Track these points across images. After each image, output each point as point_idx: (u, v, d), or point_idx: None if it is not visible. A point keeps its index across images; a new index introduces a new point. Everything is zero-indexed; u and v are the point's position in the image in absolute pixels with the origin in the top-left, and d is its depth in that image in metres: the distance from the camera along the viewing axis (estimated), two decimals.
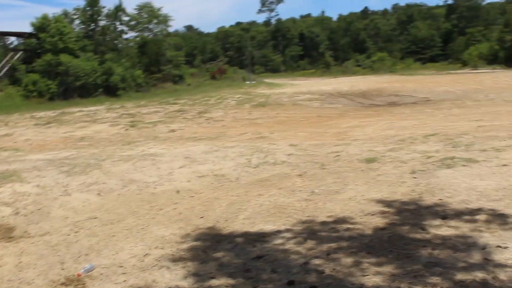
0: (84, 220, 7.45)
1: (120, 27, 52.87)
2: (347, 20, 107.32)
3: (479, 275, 4.59)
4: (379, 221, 6.41)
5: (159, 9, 54.20)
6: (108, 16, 50.74)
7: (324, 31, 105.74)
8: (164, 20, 54.85)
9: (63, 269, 5.69)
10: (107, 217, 7.54)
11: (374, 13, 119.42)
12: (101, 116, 24.09)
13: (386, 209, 6.89)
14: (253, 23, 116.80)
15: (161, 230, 6.79)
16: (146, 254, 5.92)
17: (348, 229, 6.22)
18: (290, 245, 5.82)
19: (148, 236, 6.58)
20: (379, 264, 5.03)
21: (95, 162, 11.22)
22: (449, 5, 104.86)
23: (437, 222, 6.17)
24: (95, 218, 7.54)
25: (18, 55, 45.53)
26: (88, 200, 8.53)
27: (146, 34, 53.96)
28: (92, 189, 9.08)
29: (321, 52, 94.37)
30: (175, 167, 10.51)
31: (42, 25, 42.60)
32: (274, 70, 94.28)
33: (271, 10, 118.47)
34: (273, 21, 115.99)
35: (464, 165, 8.84)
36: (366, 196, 7.57)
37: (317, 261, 5.25)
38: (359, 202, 7.33)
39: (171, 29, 60.16)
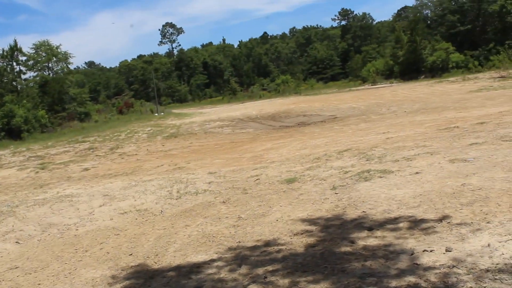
0: (4, 272, 7.07)
1: (17, 67, 51.08)
2: (248, 46, 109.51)
3: (412, 279, 4.78)
4: (309, 239, 6.53)
5: (57, 47, 52.99)
6: (3, 56, 48.90)
7: (226, 58, 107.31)
8: (64, 57, 53.69)
9: None
10: (30, 265, 7.20)
11: (274, 37, 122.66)
12: (6, 161, 23.01)
13: (313, 226, 7.04)
14: (155, 55, 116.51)
15: (90, 272, 6.56)
16: None
17: (280, 251, 6.29)
18: (225, 273, 5.80)
19: (77, 280, 6.34)
20: (316, 281, 5.12)
21: (7, 209, 10.71)
22: (343, 26, 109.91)
23: (364, 234, 6.37)
24: (17, 268, 7.18)
25: None
26: (6, 249, 8.11)
27: (46, 73, 52.51)
28: (8, 238, 8.65)
29: (226, 79, 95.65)
30: (95, 206, 10.23)
31: None
32: (181, 100, 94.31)
33: (172, 41, 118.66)
34: (175, 51, 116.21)
35: (380, 177, 9.20)
36: (292, 216, 7.69)
37: (255, 286, 5.27)
38: (286, 222, 7.43)
39: (72, 67, 58.94)
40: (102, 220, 9.21)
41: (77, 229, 8.87)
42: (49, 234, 8.75)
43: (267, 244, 6.62)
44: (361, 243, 6.06)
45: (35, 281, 6.52)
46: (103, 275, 6.40)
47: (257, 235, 7.08)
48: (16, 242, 8.46)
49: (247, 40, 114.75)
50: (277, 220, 7.62)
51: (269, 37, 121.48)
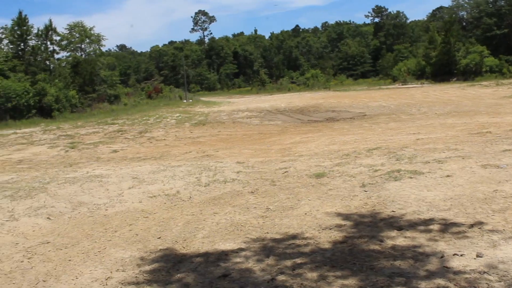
0: (36, 246, 7.23)
1: (51, 47, 51.73)
2: (279, 38, 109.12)
3: (441, 282, 4.78)
4: (338, 235, 6.55)
5: (90, 29, 53.54)
6: (38, 35, 49.55)
7: (257, 49, 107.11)
8: (97, 39, 54.22)
9: None
10: (61, 241, 7.35)
11: (305, 31, 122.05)
12: (37, 138, 23.41)
13: (342, 222, 7.05)
14: (186, 42, 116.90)
15: (119, 252, 6.68)
16: (108, 277, 5.81)
17: (308, 244, 6.31)
18: (253, 263, 5.86)
19: (107, 259, 6.46)
20: (344, 277, 5.14)
21: (39, 185, 10.91)
22: (376, 23, 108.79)
23: (393, 233, 6.36)
24: (48, 242, 7.33)
25: None
26: (37, 224, 8.28)
27: (78, 54, 53.07)
28: (40, 213, 8.82)
29: (256, 70, 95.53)
30: (124, 187, 10.37)
31: None
32: (209, 88, 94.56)
33: (204, 29, 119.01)
34: (206, 39, 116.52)
35: (410, 177, 9.15)
36: (321, 211, 7.71)
37: (283, 277, 5.31)
38: (315, 216, 7.46)
39: (104, 49, 59.50)
40: (131, 202, 9.34)
41: (106, 209, 9.01)
42: (79, 212, 8.90)
43: (295, 236, 6.65)
44: (390, 242, 6.06)
45: (66, 257, 6.65)
46: (132, 256, 6.50)
47: (285, 227, 7.11)
48: (48, 218, 8.62)
49: (279, 32, 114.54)
50: (305, 214, 7.64)
51: (300, 30, 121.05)
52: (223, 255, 6.20)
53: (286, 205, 8.30)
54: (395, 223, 6.76)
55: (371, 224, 6.83)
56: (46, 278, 5.97)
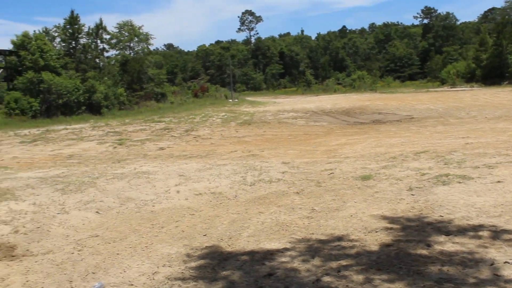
0: (86, 238, 7.42)
1: (101, 45, 52.81)
2: (325, 39, 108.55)
3: None
4: (384, 238, 6.48)
5: (139, 28, 54.30)
6: (88, 34, 50.64)
7: (303, 49, 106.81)
8: (145, 38, 54.96)
9: None
10: (109, 235, 7.51)
11: (352, 32, 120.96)
12: (87, 134, 23.98)
13: (389, 225, 6.98)
14: (233, 42, 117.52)
15: (166, 248, 6.78)
16: (155, 272, 5.92)
17: (353, 246, 6.28)
18: (298, 263, 5.86)
19: (154, 254, 6.57)
20: (390, 281, 5.09)
21: (89, 180, 11.17)
22: (425, 24, 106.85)
23: (442, 238, 6.26)
24: (97, 236, 7.51)
25: None
26: (87, 218, 8.49)
27: (127, 52, 53.93)
28: (90, 207, 9.04)
29: (302, 70, 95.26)
30: (171, 185, 10.51)
31: (22, 43, 42.36)
32: (255, 88, 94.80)
33: (251, 29, 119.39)
34: (253, 39, 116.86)
35: (459, 182, 8.98)
36: (367, 213, 7.65)
37: (328, 279, 5.29)
38: (360, 219, 7.40)
39: (152, 48, 60.33)
40: (178, 199, 9.47)
41: (153, 206, 9.16)
42: (127, 208, 9.07)
43: (341, 238, 6.62)
44: (438, 247, 5.97)
45: (114, 251, 6.79)
46: (178, 252, 6.59)
47: (330, 228, 7.09)
48: (97, 212, 8.83)
49: (325, 32, 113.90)
50: (351, 216, 7.60)
51: (347, 31, 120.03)
52: (268, 254, 6.23)
53: (331, 206, 8.27)
54: (443, 228, 6.65)
55: (418, 228, 6.74)
56: (95, 270, 6.12)
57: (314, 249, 6.29)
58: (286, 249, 6.37)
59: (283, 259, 6.01)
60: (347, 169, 11.24)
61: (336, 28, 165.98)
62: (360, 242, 6.41)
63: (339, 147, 15.77)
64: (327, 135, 20.31)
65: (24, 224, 8.06)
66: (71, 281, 5.81)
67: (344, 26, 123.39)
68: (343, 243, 6.42)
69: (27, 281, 5.89)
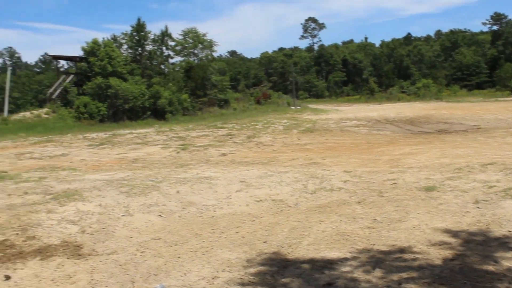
0: (149, 241, 7.58)
1: (166, 52, 54.10)
2: (390, 46, 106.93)
3: None
4: (448, 252, 6.31)
5: (204, 35, 55.30)
6: (154, 41, 51.99)
7: (367, 57, 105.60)
8: (209, 45, 55.93)
9: None
10: (171, 238, 7.65)
11: (417, 39, 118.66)
12: (151, 139, 24.54)
13: (453, 239, 6.79)
14: (296, 49, 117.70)
15: (226, 253, 6.85)
16: (215, 276, 5.98)
17: (415, 259, 6.15)
18: (358, 273, 5.79)
19: (214, 259, 6.64)
20: None
21: (152, 183, 11.43)
22: (494, 31, 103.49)
23: (509, 254, 6.04)
24: (159, 239, 7.67)
25: (69, 78, 47.11)
26: (150, 221, 8.68)
27: (191, 58, 54.94)
28: (153, 210, 9.24)
29: (365, 78, 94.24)
30: (232, 190, 10.61)
31: (92, 50, 43.97)
32: (317, 95, 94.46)
33: (313, 36, 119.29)
34: (315, 47, 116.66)
35: None
36: (430, 225, 7.48)
37: None
38: (423, 231, 7.24)
39: (215, 54, 61.20)
40: (239, 205, 9.54)
41: (215, 211, 9.26)
42: (189, 212, 9.22)
43: (403, 250, 6.50)
44: (505, 263, 5.76)
45: (175, 254, 6.91)
46: (238, 257, 6.64)
47: (392, 240, 6.97)
48: (159, 215, 9.01)
49: (390, 40, 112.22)
50: (413, 227, 7.44)
51: (412, 38, 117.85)
52: (328, 263, 6.19)
53: (393, 217, 8.13)
54: (511, 244, 6.42)
55: (484, 243, 6.53)
56: (157, 272, 6.24)
57: (375, 260, 6.20)
58: (346, 259, 6.30)
59: (343, 269, 5.96)
60: (411, 180, 11.02)
61: (400, 35, 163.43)
62: (423, 255, 6.27)
63: (403, 157, 15.48)
64: (390, 144, 19.98)
65: (91, 225, 8.33)
66: (133, 282, 5.95)
67: (409, 33, 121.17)
68: (405, 255, 6.29)
69: (92, 279, 6.08)
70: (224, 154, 18.04)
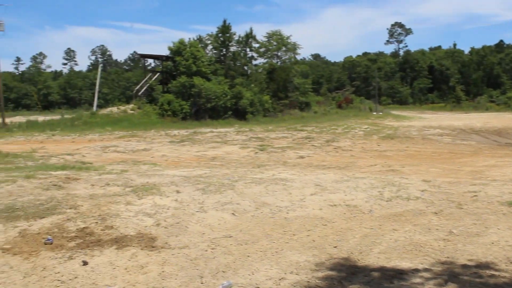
0: (220, 238, 7.69)
1: (249, 53, 54.73)
2: (480, 54, 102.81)
3: None
4: None
5: (287, 37, 55.44)
6: (238, 42, 52.71)
7: (455, 64, 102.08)
8: (293, 48, 56.02)
9: (202, 283, 5.90)
10: (242, 237, 7.73)
11: (510, 46, 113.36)
12: (231, 138, 24.91)
13: None
14: (380, 54, 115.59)
15: (295, 255, 6.83)
16: (282, 278, 5.99)
17: (492, 276, 5.89)
18: (430, 286, 5.62)
19: (283, 260, 6.65)
20: None
21: (228, 182, 11.58)
22: None
23: None
24: (231, 237, 7.76)
25: (155, 76, 48.66)
26: (223, 218, 8.80)
27: (274, 61, 55.25)
28: (226, 208, 9.36)
29: (452, 86, 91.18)
30: (307, 193, 10.57)
31: (178, 49, 45.15)
32: (401, 102, 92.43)
33: (399, 41, 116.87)
34: (401, 52, 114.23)
35: None
36: (510, 242, 7.14)
37: None
38: (503, 248, 6.92)
39: (298, 57, 61.26)
40: (312, 209, 9.49)
41: (287, 213, 9.26)
42: (261, 212, 9.27)
43: (479, 266, 6.25)
44: None
45: (245, 253, 6.98)
46: (307, 260, 6.62)
47: (468, 254, 6.71)
48: (232, 213, 9.12)
49: (480, 47, 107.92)
50: (492, 243, 7.13)
51: (505, 45, 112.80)
52: (399, 273, 6.05)
53: (471, 231, 7.82)
54: None
55: None
56: (225, 269, 6.32)
57: (448, 273, 6.00)
58: (418, 270, 6.14)
59: (414, 280, 5.80)
60: (493, 193, 10.55)
61: (492, 42, 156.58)
62: (501, 273, 6.00)
63: (487, 169, 14.87)
64: (474, 155, 19.25)
65: (166, 218, 8.55)
66: (202, 277, 6.06)
67: (501, 41, 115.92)
68: (481, 272, 6.04)
69: (162, 271, 6.25)
70: (301, 157, 18.02)
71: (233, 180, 11.95)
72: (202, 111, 41.29)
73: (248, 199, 10.05)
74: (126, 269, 6.32)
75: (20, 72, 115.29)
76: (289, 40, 55.52)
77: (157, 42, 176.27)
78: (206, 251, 7.06)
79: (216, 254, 6.94)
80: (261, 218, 8.89)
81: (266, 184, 11.44)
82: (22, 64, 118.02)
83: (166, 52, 47.58)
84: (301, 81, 53.77)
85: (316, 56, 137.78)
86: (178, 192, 10.40)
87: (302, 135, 26.75)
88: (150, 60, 65.89)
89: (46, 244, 7.01)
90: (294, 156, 18.24)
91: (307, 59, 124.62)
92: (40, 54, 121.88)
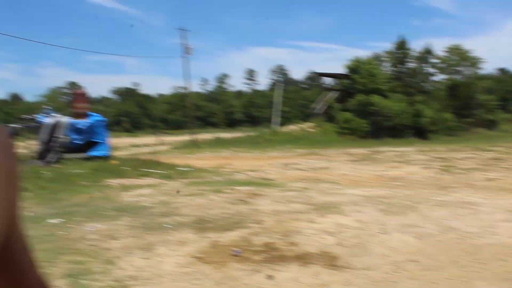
0: (404, 261, 7.45)
1: (428, 69, 53.12)
2: None
3: None
4: None
5: (468, 51, 52.83)
6: (416, 58, 51.37)
7: None
8: (475, 62, 53.23)
9: None
10: (427, 262, 7.41)
11: None
12: (412, 158, 24.16)
13: None
14: None
15: (487, 287, 6.38)
16: None
17: None
18: None
19: None
20: None
21: (410, 204, 11.25)
22: None
23: None
24: (415, 261, 7.48)
25: (329, 94, 49.25)
26: (406, 241, 8.53)
27: (455, 76, 52.95)
28: (409, 231, 9.07)
29: None
30: (497, 219, 9.86)
31: (355, 67, 45.28)
32: None
33: None
34: None
35: None
36: None
37: None
38: None
39: (483, 72, 57.81)
40: (506, 237, 8.81)
41: (476, 239, 8.71)
42: (447, 237, 8.82)
43: None
44: None
45: (431, 279, 6.67)
46: None
47: None
48: (416, 237, 8.80)
49: None
50: None
51: None
52: None
53: None
54: None
55: None
56: None
57: None
58: None
59: None
60: None
61: None
62: None
63: None
64: None
65: (347, 238, 8.53)
66: None
67: None
68: None
69: None
70: (490, 179, 16.86)
71: (415, 201, 11.59)
72: (381, 129, 40.71)
73: (433, 222, 9.66)
74: (310, 286, 6.40)
75: (207, 92, 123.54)
76: (470, 55, 52.84)
77: (332, 60, 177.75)
78: (390, 274, 6.89)
79: (400, 278, 6.73)
80: (446, 243, 8.47)
81: (452, 207, 10.91)
82: (207, 84, 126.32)
83: (340, 70, 47.98)
84: (486, 98, 50.67)
85: (503, 70, 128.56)
86: (359, 212, 10.34)
87: (489, 155, 25.03)
88: (327, 78, 66.75)
89: (235, 255, 7.38)
90: (482, 178, 17.11)
91: (492, 73, 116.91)
92: (224, 74, 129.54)
